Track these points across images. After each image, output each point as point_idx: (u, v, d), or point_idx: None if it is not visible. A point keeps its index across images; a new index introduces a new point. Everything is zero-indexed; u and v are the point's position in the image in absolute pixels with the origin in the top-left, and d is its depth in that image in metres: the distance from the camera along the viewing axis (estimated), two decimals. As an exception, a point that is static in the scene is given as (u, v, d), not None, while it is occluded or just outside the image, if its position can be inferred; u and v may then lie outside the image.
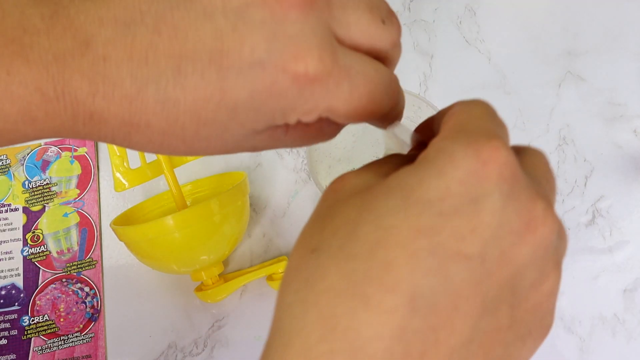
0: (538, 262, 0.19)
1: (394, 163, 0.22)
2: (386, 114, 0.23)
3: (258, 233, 0.47)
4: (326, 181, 0.41)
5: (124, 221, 0.43)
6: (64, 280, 0.45)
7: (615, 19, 0.54)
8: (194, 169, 0.48)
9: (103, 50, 0.18)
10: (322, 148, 0.40)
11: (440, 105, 0.54)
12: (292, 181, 0.48)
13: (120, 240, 0.41)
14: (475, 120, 0.20)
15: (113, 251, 0.46)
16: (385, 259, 0.17)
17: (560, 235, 0.20)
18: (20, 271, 0.45)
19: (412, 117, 0.39)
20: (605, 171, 0.48)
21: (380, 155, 0.37)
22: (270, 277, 0.44)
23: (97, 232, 0.46)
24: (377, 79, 0.21)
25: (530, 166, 0.20)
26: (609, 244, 0.46)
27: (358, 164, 0.43)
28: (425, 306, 0.17)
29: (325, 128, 0.22)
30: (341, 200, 0.20)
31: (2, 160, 0.49)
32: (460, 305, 0.17)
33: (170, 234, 0.37)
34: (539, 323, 0.20)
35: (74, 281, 0.45)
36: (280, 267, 0.43)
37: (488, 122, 0.20)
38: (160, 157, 0.41)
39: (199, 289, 0.43)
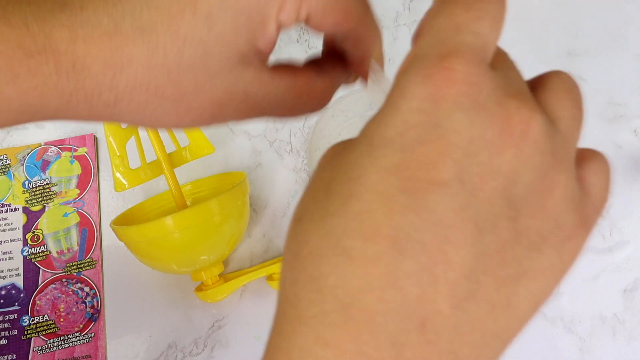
0: (533, 163, 0.17)
1: None
2: (360, 29, 0.22)
3: (258, 233, 0.47)
4: None
5: (124, 221, 0.43)
6: (64, 280, 0.45)
7: (615, 20, 0.54)
8: (194, 169, 0.48)
9: (80, 3, 0.19)
10: (323, 148, 0.40)
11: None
12: (292, 181, 0.48)
13: (120, 240, 0.41)
14: (431, 37, 0.19)
15: (113, 251, 0.46)
16: (359, 208, 0.17)
17: (558, 127, 0.18)
18: (21, 271, 0.45)
19: None
20: (605, 171, 0.48)
21: None
22: (270, 277, 0.44)
23: (97, 232, 0.47)
24: None
25: (499, 63, 0.19)
26: (609, 244, 0.46)
27: None
28: (411, 246, 0.16)
29: (315, 81, 0.22)
30: (321, 166, 0.19)
31: (2, 160, 0.49)
32: (450, 235, 0.16)
33: (170, 234, 0.37)
34: (555, 226, 0.18)
35: (74, 281, 0.45)
36: (280, 267, 0.43)
37: (446, 33, 0.19)
38: (160, 156, 0.41)
39: (199, 289, 0.43)
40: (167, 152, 0.42)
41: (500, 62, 0.20)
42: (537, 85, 0.21)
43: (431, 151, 0.17)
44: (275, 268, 0.43)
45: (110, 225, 0.42)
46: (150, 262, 0.41)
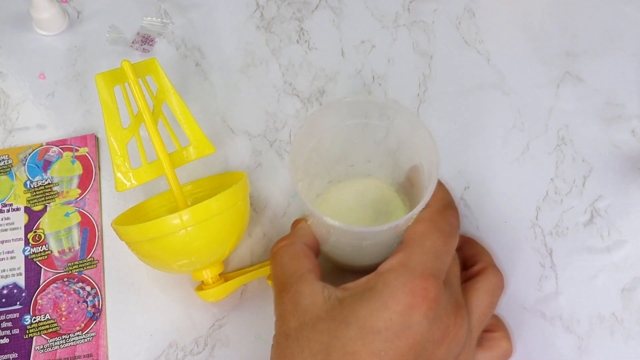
0: (454, 351, 0.30)
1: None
2: None
3: (258, 233, 0.47)
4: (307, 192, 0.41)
5: (124, 221, 0.44)
6: (65, 279, 0.45)
7: (613, 21, 0.54)
8: (195, 169, 0.49)
9: None
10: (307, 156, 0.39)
11: (440, 104, 0.54)
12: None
13: (121, 240, 0.41)
14: (419, 257, 0.30)
15: (114, 251, 0.46)
16: None
17: (469, 327, 0.32)
18: (22, 270, 0.45)
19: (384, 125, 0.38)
20: (604, 171, 0.49)
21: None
22: (270, 277, 0.44)
23: (98, 231, 0.47)
24: None
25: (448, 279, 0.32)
26: (607, 243, 0.46)
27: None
28: None
29: None
30: (321, 318, 0.30)
31: (3, 160, 0.49)
32: None
33: (171, 233, 0.38)
34: None
35: (75, 280, 0.45)
36: None
37: (430, 258, 0.30)
38: (161, 156, 0.41)
39: (200, 288, 0.43)
40: (168, 152, 0.42)
41: (449, 277, 0.32)
42: (473, 276, 0.36)
43: (403, 344, 0.28)
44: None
45: (111, 225, 0.42)
46: (150, 262, 0.41)
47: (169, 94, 0.44)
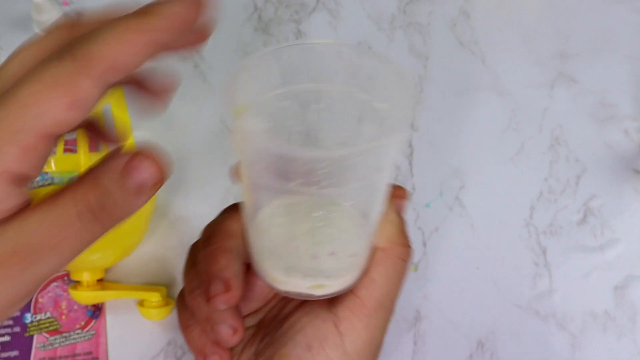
0: None
1: None
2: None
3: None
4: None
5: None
6: (65, 278, 0.46)
7: (606, 22, 0.55)
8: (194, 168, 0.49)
9: None
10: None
11: (436, 105, 0.54)
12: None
13: None
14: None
15: (114, 250, 0.47)
16: None
17: None
18: (23, 269, 0.46)
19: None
20: (597, 171, 0.49)
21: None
22: (141, 303, 0.44)
23: (98, 231, 0.47)
24: None
25: None
26: (600, 242, 0.47)
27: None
28: None
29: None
30: None
31: (4, 160, 0.49)
32: None
33: None
34: None
35: (75, 279, 0.46)
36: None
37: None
38: (82, 152, 0.41)
39: (74, 287, 0.43)
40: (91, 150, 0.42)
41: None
42: None
43: None
44: (147, 295, 0.43)
45: None
46: None
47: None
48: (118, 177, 0.19)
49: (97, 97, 0.19)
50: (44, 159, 0.19)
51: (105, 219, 0.20)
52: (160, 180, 0.20)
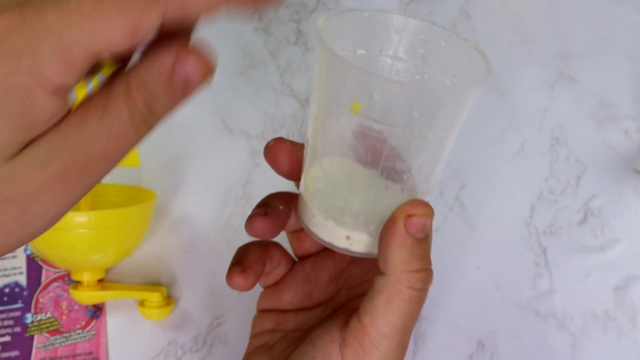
0: None
1: None
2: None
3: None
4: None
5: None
6: (66, 278, 0.46)
7: (606, 22, 0.55)
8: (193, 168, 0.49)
9: None
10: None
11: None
12: (290, 182, 0.49)
13: None
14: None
15: (114, 250, 0.47)
16: None
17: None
18: (24, 269, 0.46)
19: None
20: (597, 171, 0.49)
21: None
22: (141, 303, 0.44)
23: (98, 231, 0.47)
24: None
25: None
26: (601, 242, 0.47)
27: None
28: None
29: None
30: None
31: (5, 161, 0.50)
32: None
33: (67, 229, 0.39)
34: None
35: (76, 279, 0.46)
36: None
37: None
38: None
39: (75, 287, 0.43)
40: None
41: None
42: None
43: None
44: (147, 295, 0.43)
45: None
46: (40, 251, 0.42)
47: None
48: (165, 79, 0.19)
49: (155, 30, 0.18)
50: (84, 73, 0.19)
51: (152, 120, 0.20)
52: (206, 74, 0.20)
